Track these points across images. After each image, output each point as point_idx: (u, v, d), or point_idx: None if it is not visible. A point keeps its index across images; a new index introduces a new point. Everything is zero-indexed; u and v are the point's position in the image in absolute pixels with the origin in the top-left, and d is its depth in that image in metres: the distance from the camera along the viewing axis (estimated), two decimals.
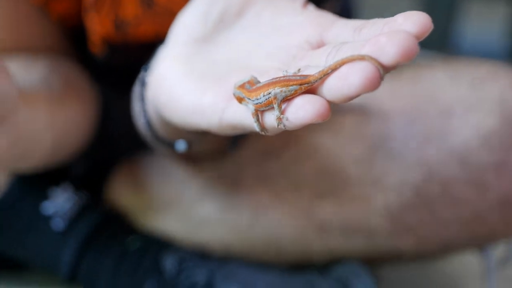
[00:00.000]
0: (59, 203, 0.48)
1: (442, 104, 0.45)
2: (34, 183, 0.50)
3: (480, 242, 0.47)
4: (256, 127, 0.26)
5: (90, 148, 0.51)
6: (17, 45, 0.50)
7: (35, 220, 0.49)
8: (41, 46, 0.51)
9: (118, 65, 0.51)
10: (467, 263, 0.59)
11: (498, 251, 0.51)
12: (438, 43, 1.03)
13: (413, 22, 0.21)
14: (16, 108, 0.37)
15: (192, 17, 0.34)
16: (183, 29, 0.35)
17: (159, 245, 0.48)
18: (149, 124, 0.40)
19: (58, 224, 0.47)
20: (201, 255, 0.48)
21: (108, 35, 0.47)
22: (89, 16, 0.47)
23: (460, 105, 0.45)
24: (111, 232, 0.49)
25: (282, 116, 0.24)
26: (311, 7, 0.31)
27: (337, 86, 0.22)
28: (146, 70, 0.38)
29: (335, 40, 0.26)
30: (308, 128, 0.45)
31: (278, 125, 0.24)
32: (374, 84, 0.21)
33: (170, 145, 0.40)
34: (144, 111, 0.39)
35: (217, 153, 0.47)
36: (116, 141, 0.55)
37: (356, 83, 0.20)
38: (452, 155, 0.44)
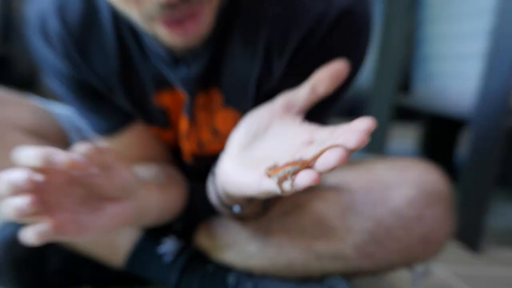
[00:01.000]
0: (168, 246, 0.64)
1: (384, 183, 0.58)
2: (155, 232, 0.65)
3: (410, 262, 0.59)
4: (278, 190, 0.36)
5: (184, 213, 0.65)
6: (143, 158, 0.65)
7: (156, 255, 0.64)
8: (156, 158, 0.66)
9: (199, 168, 0.63)
10: (402, 276, 0.70)
11: (420, 268, 0.63)
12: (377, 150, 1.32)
13: (365, 124, 0.32)
14: (137, 189, 0.51)
15: (239, 134, 0.46)
16: (234, 141, 0.46)
17: (225, 269, 0.62)
18: (218, 197, 0.52)
19: (167, 258, 0.63)
20: (249, 275, 0.62)
21: (194, 151, 0.63)
22: (182, 141, 0.62)
23: (394, 183, 0.58)
24: (197, 262, 0.64)
25: (293, 183, 0.34)
26: (305, 123, 0.42)
27: (324, 162, 0.31)
28: (215, 167, 0.49)
29: (320, 138, 0.37)
30: (308, 198, 0.61)
31: (291, 188, 0.34)
32: (344, 160, 0.31)
33: (230, 208, 0.52)
34: (215, 190, 0.51)
35: (257, 213, 0.58)
36: (199, 210, 0.67)
37: (334, 159, 0.31)
38: (391, 212, 0.57)
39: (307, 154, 0.36)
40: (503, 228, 1.18)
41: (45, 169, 0.40)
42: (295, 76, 0.53)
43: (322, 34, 0.53)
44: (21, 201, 0.39)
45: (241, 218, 0.60)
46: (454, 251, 0.99)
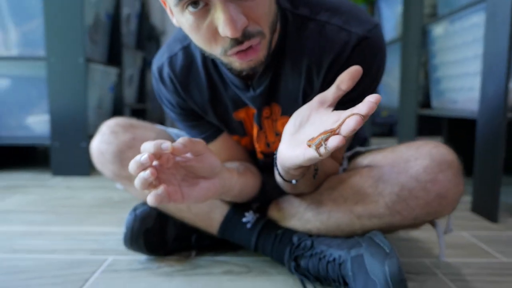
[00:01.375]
0: (249, 217, 0.69)
1: (405, 158, 0.58)
2: (239, 208, 0.70)
3: (431, 217, 0.58)
4: (317, 155, 0.39)
5: (259, 194, 0.70)
6: (229, 158, 0.71)
7: (240, 223, 0.69)
8: (238, 158, 0.72)
9: (268, 162, 0.68)
10: (428, 229, 0.70)
11: (442, 225, 0.64)
12: None
13: (372, 97, 0.37)
14: (222, 171, 0.55)
15: (289, 125, 0.50)
16: (286, 131, 0.50)
17: (290, 232, 0.66)
18: (279, 175, 0.55)
19: (248, 226, 0.68)
20: (308, 235, 0.65)
21: (263, 150, 0.69)
22: (255, 143, 0.69)
23: (412, 157, 0.57)
24: (270, 228, 0.68)
25: (326, 147, 0.37)
26: (334, 111, 0.46)
27: (345, 127, 0.36)
28: (276, 153, 0.53)
29: (344, 115, 0.40)
30: (348, 175, 0.62)
31: (325, 151, 0.38)
32: (360, 123, 0.36)
33: (290, 182, 0.56)
34: (277, 170, 0.55)
35: (310, 185, 0.61)
36: (270, 191, 0.71)
37: (352, 123, 0.36)
38: (412, 178, 0.56)
39: (334, 125, 0.40)
40: None
41: (158, 154, 0.48)
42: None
43: (346, 56, 0.57)
44: (145, 173, 0.46)
45: (298, 189, 0.63)
46: (476, 222, 0.99)
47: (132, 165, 0.47)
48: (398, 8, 1.90)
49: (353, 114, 0.37)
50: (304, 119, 0.49)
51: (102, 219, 1.00)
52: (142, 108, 2.35)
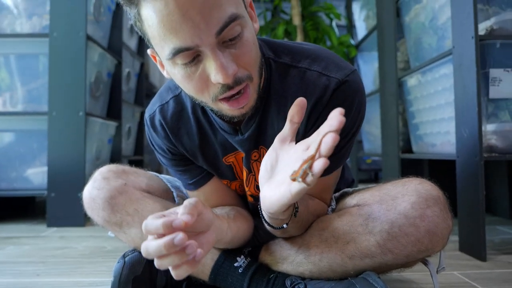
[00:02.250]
0: (241, 261, 0.65)
1: (392, 195, 0.57)
2: (230, 253, 0.66)
3: (423, 254, 0.55)
4: (305, 185, 0.37)
5: (251, 239, 0.68)
6: (220, 203, 0.69)
7: (232, 268, 0.64)
8: (229, 202, 0.70)
9: (257, 205, 0.61)
10: (421, 269, 0.66)
11: (434, 262, 0.61)
12: None
13: (337, 111, 0.36)
14: (214, 220, 0.51)
15: (261, 172, 0.48)
16: (260, 179, 0.48)
17: (283, 275, 0.63)
18: (268, 224, 0.55)
19: (240, 270, 0.64)
20: (301, 278, 0.61)
21: (253, 193, 0.68)
22: (246, 187, 0.68)
23: (399, 194, 0.56)
24: (262, 272, 0.64)
25: (312, 173, 0.35)
26: (298, 144, 0.44)
27: (324, 146, 0.35)
28: (259, 204, 0.51)
29: (313, 140, 0.39)
30: (337, 215, 0.60)
31: (313, 179, 0.35)
32: (337, 139, 0.34)
33: (280, 228, 0.54)
34: (265, 219, 0.54)
35: (299, 225, 0.57)
36: (261, 235, 0.69)
37: (330, 140, 0.34)
38: (400, 214, 0.54)
39: (310, 151, 0.38)
40: (502, 242, 1.11)
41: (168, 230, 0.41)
42: (313, 129, 0.57)
43: (327, 100, 0.57)
44: (177, 237, 0.39)
45: (289, 236, 0.61)
46: (466, 261, 0.95)
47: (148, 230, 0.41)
48: (375, 64, 1.98)
49: (326, 134, 0.35)
50: (274, 161, 0.47)
51: (93, 268, 0.93)
52: (139, 160, 2.33)
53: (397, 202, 0.55)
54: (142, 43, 2.38)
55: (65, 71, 1.51)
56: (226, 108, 0.52)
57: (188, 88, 0.52)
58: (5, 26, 1.59)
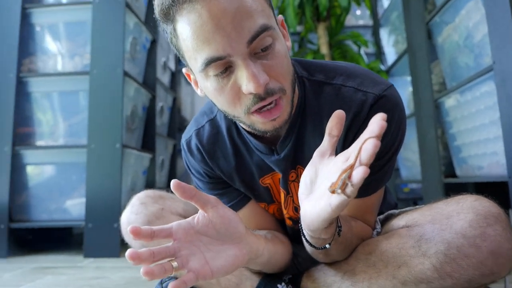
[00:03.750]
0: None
1: (445, 213, 0.53)
2: (270, 279, 0.63)
3: (487, 280, 0.49)
4: (345, 197, 0.35)
5: (290, 266, 0.64)
6: (256, 226, 0.68)
7: None
8: (266, 226, 0.68)
9: (297, 229, 0.62)
10: None
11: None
12: None
13: (379, 116, 0.35)
14: (248, 236, 0.51)
15: (301, 188, 0.47)
16: (300, 195, 0.47)
17: None
18: (310, 244, 0.52)
19: None
20: None
21: (291, 216, 0.66)
22: (284, 209, 0.66)
23: (453, 212, 0.52)
24: None
25: (352, 184, 0.33)
26: (338, 156, 0.42)
27: (365, 154, 0.33)
28: (300, 221, 0.49)
29: (353, 148, 0.38)
30: (385, 237, 0.56)
31: (353, 189, 0.33)
32: (378, 145, 0.33)
33: (322, 248, 0.52)
34: (306, 239, 0.52)
35: (343, 247, 0.55)
36: (302, 262, 0.67)
37: (371, 147, 0.33)
38: (457, 233, 0.49)
39: (350, 161, 0.36)
40: None
41: (168, 234, 0.45)
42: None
43: (365, 116, 0.56)
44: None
45: (332, 261, 0.58)
46: None
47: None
48: (407, 88, 1.94)
49: (367, 139, 0.34)
50: (313, 176, 0.45)
51: None
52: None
53: (452, 221, 0.51)
54: (175, 79, 2.48)
55: (104, 105, 1.58)
56: (259, 121, 0.52)
57: (221, 101, 0.52)
58: (50, 66, 1.71)
